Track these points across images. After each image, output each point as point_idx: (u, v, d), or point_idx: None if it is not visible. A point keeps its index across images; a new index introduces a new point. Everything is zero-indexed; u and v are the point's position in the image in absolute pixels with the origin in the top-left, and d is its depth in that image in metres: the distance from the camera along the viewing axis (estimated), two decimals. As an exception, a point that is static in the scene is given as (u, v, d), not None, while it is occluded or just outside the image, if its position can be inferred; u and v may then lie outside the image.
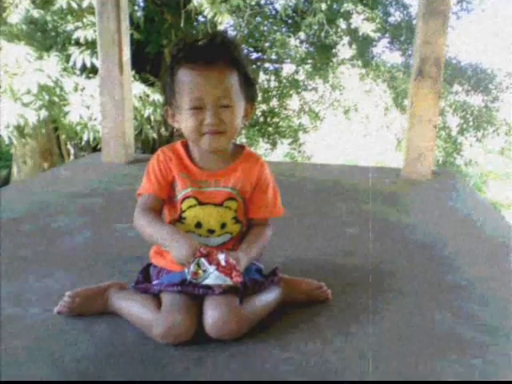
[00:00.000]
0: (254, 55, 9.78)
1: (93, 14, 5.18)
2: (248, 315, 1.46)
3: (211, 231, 1.59)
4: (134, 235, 2.02)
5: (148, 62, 7.68)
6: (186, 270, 1.37)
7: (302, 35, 8.83)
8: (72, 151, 7.88)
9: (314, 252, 2.18)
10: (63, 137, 7.23)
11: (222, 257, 1.37)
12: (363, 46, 9.06)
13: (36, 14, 5.96)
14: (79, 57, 5.79)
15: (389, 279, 1.93)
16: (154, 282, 1.57)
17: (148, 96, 6.10)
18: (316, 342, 1.46)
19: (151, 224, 1.50)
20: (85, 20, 6.01)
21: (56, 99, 5.57)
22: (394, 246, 2.31)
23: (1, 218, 2.47)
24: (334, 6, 8.49)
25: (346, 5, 8.06)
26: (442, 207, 3.00)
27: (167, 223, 1.59)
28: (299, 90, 10.26)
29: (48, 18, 6.09)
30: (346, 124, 11.58)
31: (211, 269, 1.35)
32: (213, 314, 1.41)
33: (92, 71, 5.83)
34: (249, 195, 1.62)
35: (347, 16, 8.20)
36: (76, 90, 5.69)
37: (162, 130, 7.89)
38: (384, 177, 3.71)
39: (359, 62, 9.34)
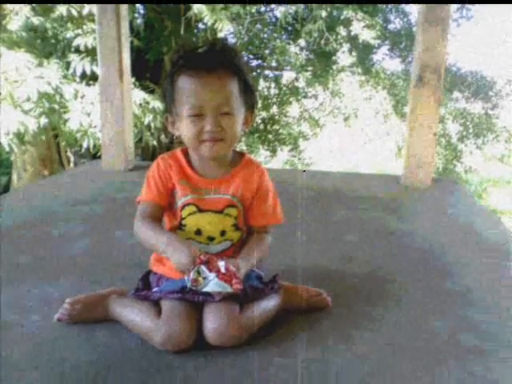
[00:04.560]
0: (254, 62, 9.80)
1: (93, 21, 5.21)
2: (248, 322, 1.45)
3: (211, 238, 1.58)
4: (133, 242, 2.01)
5: (148, 69, 7.70)
6: (186, 278, 1.36)
7: (301, 42, 8.86)
8: (72, 158, 7.88)
9: (313, 259, 2.18)
10: (63, 144, 7.23)
11: (222, 264, 1.37)
12: (363, 53, 9.09)
13: (36, 21, 5.97)
14: (79, 64, 5.80)
15: (388, 286, 1.93)
16: (154, 290, 1.57)
17: (148, 103, 6.11)
18: (316, 349, 1.45)
19: (151, 231, 1.49)
20: (85, 27, 6.03)
21: (56, 106, 5.57)
22: (394, 252, 2.31)
23: (1, 225, 2.47)
24: (334, 14, 8.51)
25: (345, 12, 8.08)
26: (441, 214, 3.00)
27: (167, 230, 1.59)
28: (299, 97, 10.29)
29: (48, 25, 6.11)
30: (346, 131, 11.60)
31: (211, 276, 1.35)
32: (213, 321, 1.40)
33: (92, 78, 5.84)
34: (249, 202, 1.62)
35: (347, 23, 8.23)
36: (76, 97, 5.69)
37: (162, 137, 7.89)
38: (384, 184, 3.71)
39: (359, 69, 9.37)
